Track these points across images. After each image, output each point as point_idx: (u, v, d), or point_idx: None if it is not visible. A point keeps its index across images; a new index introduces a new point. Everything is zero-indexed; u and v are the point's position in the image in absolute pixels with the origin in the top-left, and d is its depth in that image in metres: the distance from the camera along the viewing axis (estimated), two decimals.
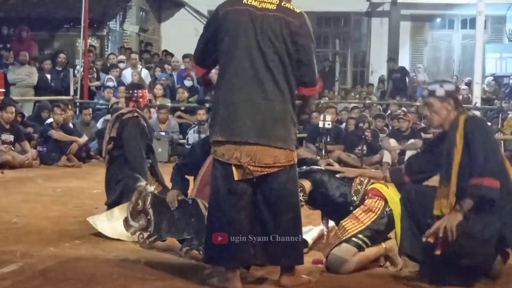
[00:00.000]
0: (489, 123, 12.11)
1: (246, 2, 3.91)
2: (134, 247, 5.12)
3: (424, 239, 4.06)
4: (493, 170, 4.02)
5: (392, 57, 18.44)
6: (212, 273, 4.17)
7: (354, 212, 4.58)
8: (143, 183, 5.52)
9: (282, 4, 3.94)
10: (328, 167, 4.82)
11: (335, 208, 4.75)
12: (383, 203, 4.53)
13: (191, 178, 5.20)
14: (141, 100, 6.44)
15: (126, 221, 5.29)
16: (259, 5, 3.91)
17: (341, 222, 4.60)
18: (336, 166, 4.88)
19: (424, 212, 4.27)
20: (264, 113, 3.87)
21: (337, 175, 4.71)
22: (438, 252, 3.96)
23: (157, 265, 4.53)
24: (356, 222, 4.50)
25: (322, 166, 4.76)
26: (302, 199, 4.66)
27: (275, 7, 3.91)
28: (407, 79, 17.43)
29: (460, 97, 4.49)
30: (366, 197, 4.60)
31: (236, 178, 3.90)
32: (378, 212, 4.51)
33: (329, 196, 4.73)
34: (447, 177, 4.13)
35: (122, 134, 6.09)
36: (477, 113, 12.72)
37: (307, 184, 4.68)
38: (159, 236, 5.00)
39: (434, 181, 4.38)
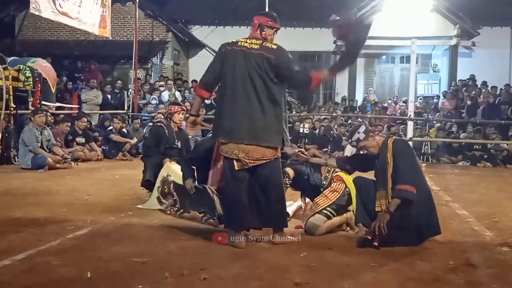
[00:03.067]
0: (415, 137, 12.13)
1: (240, 44, 4.05)
2: (170, 217, 5.12)
3: (365, 236, 4.15)
4: (411, 179, 4.11)
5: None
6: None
7: (324, 192, 4.60)
8: (166, 174, 5.51)
9: (263, 44, 4.05)
10: (293, 154, 4.81)
11: (311, 189, 4.77)
12: (344, 186, 4.55)
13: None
14: (171, 112, 6.48)
15: (159, 199, 5.32)
16: (249, 45, 4.04)
17: (315, 199, 4.62)
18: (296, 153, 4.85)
19: (368, 196, 4.37)
20: (254, 123, 3.98)
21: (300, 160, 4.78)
22: (376, 243, 3.99)
23: (185, 229, 4.54)
24: (326, 199, 4.53)
25: (289, 152, 4.75)
26: (288, 183, 4.70)
27: (258, 47, 4.03)
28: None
29: (398, 111, 4.49)
30: (332, 181, 4.64)
31: (236, 168, 4.05)
32: (341, 192, 4.54)
33: (306, 181, 4.75)
34: (384, 185, 4.19)
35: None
36: (411, 123, 12.76)
37: (291, 172, 4.73)
38: (185, 210, 4.99)
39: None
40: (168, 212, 5.18)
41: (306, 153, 4.93)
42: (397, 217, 4.04)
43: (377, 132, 4.44)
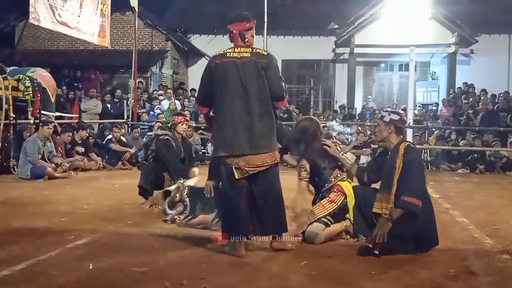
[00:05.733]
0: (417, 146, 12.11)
1: (229, 55, 4.01)
2: (171, 226, 5.10)
3: (366, 244, 4.11)
4: (419, 192, 4.08)
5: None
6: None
7: (322, 201, 4.58)
8: (181, 180, 5.50)
9: (254, 51, 4.03)
10: (325, 145, 4.71)
11: (317, 186, 4.73)
12: (342, 198, 4.52)
13: None
14: (175, 123, 6.46)
15: (164, 212, 5.31)
16: (239, 55, 4.01)
17: (312, 208, 4.60)
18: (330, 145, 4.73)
19: (367, 204, 4.34)
20: (253, 132, 3.96)
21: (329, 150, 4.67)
22: (377, 252, 3.97)
23: (185, 239, 4.53)
24: (323, 209, 4.52)
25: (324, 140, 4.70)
26: (305, 177, 4.65)
27: (249, 54, 4.00)
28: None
29: (404, 125, 4.38)
30: (332, 190, 4.60)
31: (236, 177, 4.00)
32: (338, 203, 4.52)
33: (312, 178, 4.71)
34: (388, 188, 4.13)
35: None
36: (410, 131, 12.75)
37: (307, 166, 4.67)
38: (193, 216, 5.00)
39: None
40: (169, 222, 5.16)
41: (339, 148, 4.81)
42: (398, 226, 4.02)
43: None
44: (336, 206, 4.50)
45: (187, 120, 6.60)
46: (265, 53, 4.06)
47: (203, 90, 4.19)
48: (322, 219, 4.45)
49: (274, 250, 4.09)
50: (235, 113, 3.97)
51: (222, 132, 4.03)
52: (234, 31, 4.09)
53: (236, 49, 4.03)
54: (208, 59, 4.75)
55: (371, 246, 4.00)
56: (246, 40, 4.06)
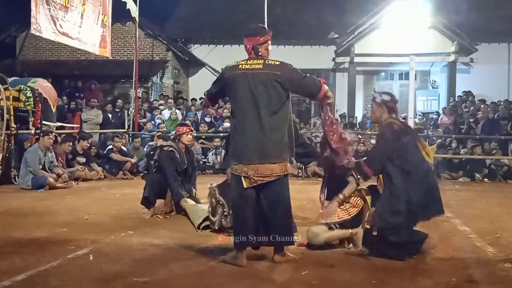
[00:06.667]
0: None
1: (241, 67, 4.03)
2: (173, 235, 5.10)
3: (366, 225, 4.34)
4: (373, 163, 4.31)
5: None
6: (226, 253, 4.15)
7: (345, 205, 4.55)
8: (210, 184, 5.42)
9: (266, 62, 4.04)
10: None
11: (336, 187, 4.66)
12: (362, 202, 4.57)
13: None
14: (179, 133, 6.46)
15: (210, 221, 5.24)
16: (250, 67, 4.02)
17: (335, 210, 4.55)
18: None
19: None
20: (264, 142, 3.96)
21: None
22: (375, 233, 4.10)
23: (187, 249, 4.52)
24: (345, 213, 4.53)
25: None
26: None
27: (261, 66, 4.01)
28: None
29: (396, 104, 4.46)
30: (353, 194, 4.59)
31: (245, 186, 3.98)
32: (358, 208, 4.55)
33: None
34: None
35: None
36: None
37: None
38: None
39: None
40: (216, 227, 5.11)
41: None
42: (392, 202, 4.17)
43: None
44: (357, 210, 4.53)
45: (192, 130, 6.62)
46: (278, 63, 4.05)
47: (212, 91, 4.33)
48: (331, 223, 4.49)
49: (276, 262, 4.06)
50: (246, 123, 3.99)
51: (234, 141, 4.09)
52: (248, 46, 4.13)
53: (249, 61, 4.06)
54: (209, 68, 4.81)
55: (369, 226, 4.25)
56: (260, 53, 4.10)
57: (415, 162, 4.28)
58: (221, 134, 12.86)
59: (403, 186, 4.17)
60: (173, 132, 7.23)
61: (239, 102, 4.03)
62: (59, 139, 10.39)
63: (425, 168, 4.36)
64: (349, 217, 4.51)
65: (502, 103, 15.86)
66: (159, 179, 6.17)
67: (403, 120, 4.55)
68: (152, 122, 14.18)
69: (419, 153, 4.36)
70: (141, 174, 7.01)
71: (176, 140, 6.44)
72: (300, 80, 4.09)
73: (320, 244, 4.43)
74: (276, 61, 4.07)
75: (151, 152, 6.78)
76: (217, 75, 4.36)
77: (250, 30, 4.19)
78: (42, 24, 10.47)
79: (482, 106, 15.45)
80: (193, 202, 5.97)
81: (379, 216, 4.22)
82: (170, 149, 6.25)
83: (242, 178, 3.97)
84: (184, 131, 6.42)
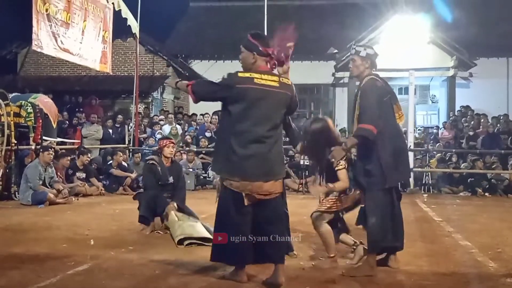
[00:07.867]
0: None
1: (256, 82, 3.85)
2: (172, 250, 5.08)
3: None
4: (374, 119, 4.14)
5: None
6: (226, 269, 4.13)
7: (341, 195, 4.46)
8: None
9: (281, 80, 4.00)
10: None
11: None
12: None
13: None
14: (161, 147, 6.52)
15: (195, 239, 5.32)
16: (266, 82, 3.89)
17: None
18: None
19: None
20: (268, 161, 3.89)
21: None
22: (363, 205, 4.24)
23: (186, 265, 4.49)
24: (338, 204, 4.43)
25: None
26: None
27: (277, 84, 3.95)
28: None
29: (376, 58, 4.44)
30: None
31: (246, 204, 3.89)
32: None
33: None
34: (353, 121, 4.37)
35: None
36: (411, 154, 12.66)
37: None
38: None
39: None
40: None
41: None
42: (363, 161, 4.21)
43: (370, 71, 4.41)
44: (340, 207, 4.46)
45: (173, 143, 6.61)
46: (290, 83, 4.08)
47: (211, 91, 4.05)
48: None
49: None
50: (250, 138, 3.84)
51: (234, 156, 3.84)
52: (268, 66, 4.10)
53: (263, 75, 3.90)
54: None
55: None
56: (274, 67, 4.13)
57: (389, 124, 4.28)
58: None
59: (374, 146, 4.15)
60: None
61: (248, 117, 3.83)
62: (58, 154, 10.38)
63: (396, 130, 4.38)
64: (336, 209, 4.41)
65: (502, 117, 15.90)
66: (153, 196, 6.23)
67: (382, 77, 4.45)
68: (153, 137, 14.20)
69: (393, 114, 4.38)
70: (133, 195, 6.95)
71: (159, 153, 6.47)
72: (296, 104, 4.23)
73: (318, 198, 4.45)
74: (288, 79, 4.10)
75: None
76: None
77: (264, 49, 4.02)
78: (43, 40, 10.53)
79: (482, 120, 15.48)
80: (181, 215, 5.92)
81: (354, 178, 4.28)
82: (151, 162, 6.33)
83: (244, 196, 3.86)
84: (165, 144, 6.46)
